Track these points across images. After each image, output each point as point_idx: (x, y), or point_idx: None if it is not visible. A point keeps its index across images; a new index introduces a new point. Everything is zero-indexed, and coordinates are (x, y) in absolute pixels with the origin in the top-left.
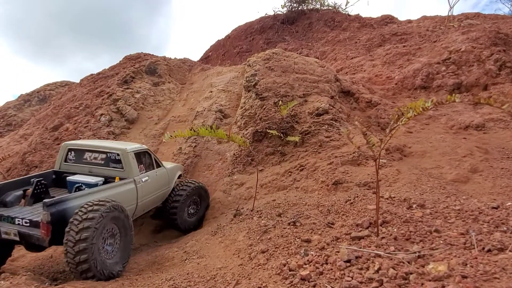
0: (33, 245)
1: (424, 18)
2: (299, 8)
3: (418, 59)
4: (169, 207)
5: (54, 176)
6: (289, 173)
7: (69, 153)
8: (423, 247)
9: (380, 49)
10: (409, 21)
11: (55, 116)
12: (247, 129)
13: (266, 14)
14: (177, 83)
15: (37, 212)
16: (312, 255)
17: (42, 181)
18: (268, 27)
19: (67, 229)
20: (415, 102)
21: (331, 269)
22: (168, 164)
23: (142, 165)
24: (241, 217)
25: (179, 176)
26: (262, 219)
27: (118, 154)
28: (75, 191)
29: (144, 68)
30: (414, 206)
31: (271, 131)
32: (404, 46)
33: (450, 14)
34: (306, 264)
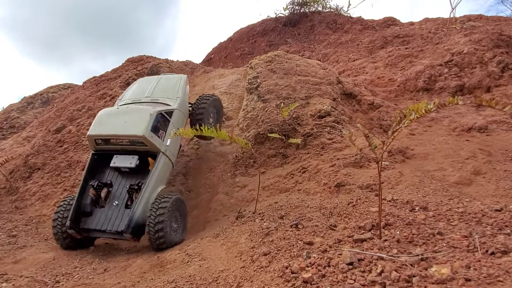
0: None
1: (426, 20)
2: (301, 11)
3: (421, 61)
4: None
5: (96, 157)
6: (291, 176)
7: (96, 140)
8: (426, 250)
9: (382, 51)
10: (411, 23)
11: (58, 119)
12: (249, 131)
13: (268, 16)
14: None
15: (115, 219)
16: (315, 257)
17: (99, 183)
18: (270, 30)
19: (148, 214)
20: (418, 104)
21: (334, 271)
22: (173, 86)
23: (161, 131)
24: (243, 219)
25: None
26: (264, 222)
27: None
28: (129, 193)
29: (146, 71)
30: (416, 208)
31: (272, 134)
32: (406, 48)
33: (452, 16)
34: (308, 267)
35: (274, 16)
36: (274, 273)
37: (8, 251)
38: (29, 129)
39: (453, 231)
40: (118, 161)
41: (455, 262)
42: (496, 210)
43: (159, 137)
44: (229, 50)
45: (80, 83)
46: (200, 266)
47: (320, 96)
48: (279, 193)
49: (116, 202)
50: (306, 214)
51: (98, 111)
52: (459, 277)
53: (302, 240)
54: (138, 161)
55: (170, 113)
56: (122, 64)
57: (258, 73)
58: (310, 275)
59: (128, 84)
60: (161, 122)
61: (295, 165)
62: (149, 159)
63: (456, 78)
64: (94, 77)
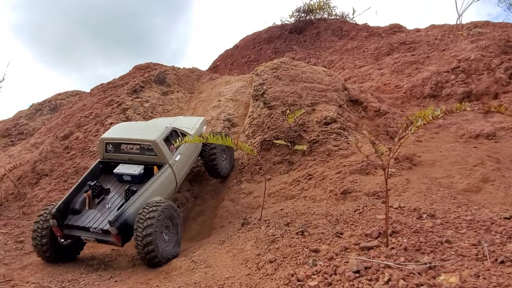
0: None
1: (433, 26)
2: (307, 18)
3: (427, 67)
4: (208, 160)
5: (101, 166)
6: (297, 182)
7: (107, 145)
8: (434, 258)
9: (388, 58)
10: (417, 30)
11: (66, 125)
12: (255, 138)
13: (274, 24)
14: (185, 92)
15: (104, 218)
16: (321, 265)
17: (97, 183)
18: (276, 37)
19: (135, 226)
20: (424, 111)
21: (340, 279)
22: (191, 121)
23: (172, 145)
24: (249, 226)
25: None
26: (270, 229)
27: (149, 145)
28: (126, 194)
29: (153, 78)
30: (424, 216)
31: (277, 141)
32: (412, 55)
33: (458, 22)
34: (314, 275)
35: (280, 23)
36: (280, 280)
37: (15, 257)
38: (37, 135)
39: (461, 239)
40: (123, 168)
41: (463, 270)
42: (506, 218)
43: (170, 150)
44: (235, 57)
45: (85, 91)
46: (206, 273)
47: (326, 102)
48: (285, 200)
49: (109, 205)
50: (312, 221)
51: (105, 118)
52: (468, 286)
53: (308, 248)
54: (142, 171)
55: (185, 136)
56: (129, 71)
57: (264, 80)
58: (316, 283)
59: (135, 91)
60: (174, 138)
61: (301, 172)
62: (155, 167)
63: (463, 84)
64: (102, 84)
